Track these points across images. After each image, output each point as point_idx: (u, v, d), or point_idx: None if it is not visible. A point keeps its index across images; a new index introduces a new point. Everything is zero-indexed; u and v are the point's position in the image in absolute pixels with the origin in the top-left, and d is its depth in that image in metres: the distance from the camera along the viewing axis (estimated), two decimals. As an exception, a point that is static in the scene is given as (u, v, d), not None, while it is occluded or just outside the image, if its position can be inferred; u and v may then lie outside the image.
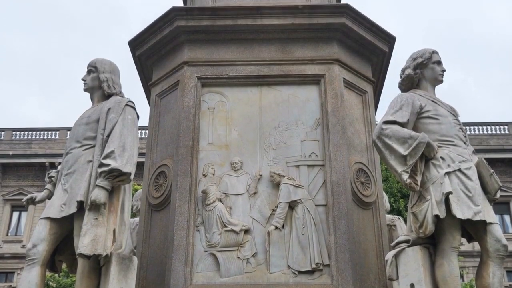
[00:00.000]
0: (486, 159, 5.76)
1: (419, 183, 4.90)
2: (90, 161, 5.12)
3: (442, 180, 4.84)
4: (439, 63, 5.58)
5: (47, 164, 34.29)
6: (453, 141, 5.09)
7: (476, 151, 5.38)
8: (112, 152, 5.00)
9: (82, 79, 5.71)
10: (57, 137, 36.27)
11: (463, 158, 5.01)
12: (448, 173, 4.88)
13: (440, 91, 6.67)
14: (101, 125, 5.22)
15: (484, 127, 36.18)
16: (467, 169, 4.95)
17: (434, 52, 5.60)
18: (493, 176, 5.06)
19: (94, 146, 5.19)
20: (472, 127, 35.66)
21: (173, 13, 6.81)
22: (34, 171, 35.06)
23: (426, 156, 4.99)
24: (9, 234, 34.21)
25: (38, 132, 36.77)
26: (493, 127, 36.21)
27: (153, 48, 7.11)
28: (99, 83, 5.61)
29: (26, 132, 36.78)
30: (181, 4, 8.51)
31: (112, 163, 4.94)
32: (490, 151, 33.61)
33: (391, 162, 4.97)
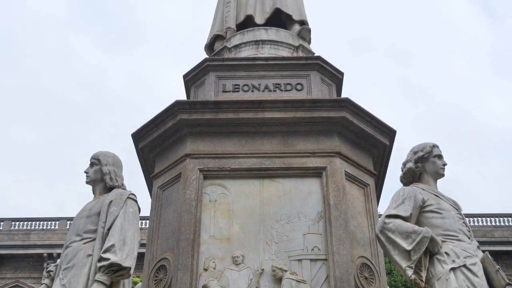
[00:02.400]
0: (491, 251, 5.67)
1: (424, 279, 4.81)
2: (90, 255, 5.05)
3: (447, 276, 4.74)
4: (440, 157, 5.63)
5: (45, 255, 33.77)
6: (457, 236, 5.03)
7: (481, 244, 5.30)
8: (113, 246, 4.94)
9: (85, 172, 5.74)
10: (57, 227, 35.98)
11: (468, 253, 4.93)
12: (453, 269, 4.79)
13: (442, 182, 6.71)
14: (102, 218, 5.19)
15: (488, 219, 35.87)
16: (473, 265, 4.86)
17: (435, 146, 5.66)
18: (499, 272, 4.95)
19: (94, 239, 5.14)
20: (476, 219, 35.35)
21: (177, 106, 6.94)
22: (32, 263, 34.47)
23: (430, 251, 4.92)
24: (2, 329, 33.13)
25: (37, 222, 36.50)
26: (497, 219, 35.90)
27: (156, 141, 7.19)
28: (102, 176, 5.63)
29: (25, 222, 36.53)
30: (184, 97, 8.68)
31: (112, 257, 4.87)
32: (495, 243, 33.14)
33: (395, 257, 4.90)
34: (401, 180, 5.71)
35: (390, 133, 7.28)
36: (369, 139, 7.08)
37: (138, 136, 7.36)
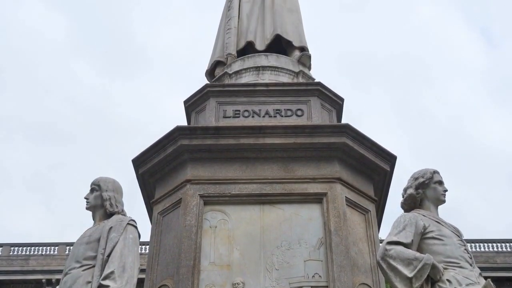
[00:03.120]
0: (493, 278, 5.63)
1: (426, 306, 4.76)
2: (89, 282, 5.01)
3: (450, 304, 4.69)
4: (440, 183, 5.62)
5: (43, 280, 33.49)
6: (458, 263, 5.00)
7: (483, 270, 5.27)
8: (112, 272, 4.91)
9: (85, 198, 5.73)
10: (56, 252, 35.76)
11: (470, 280, 4.89)
12: (455, 296, 4.75)
13: (443, 207, 6.71)
14: (102, 244, 5.17)
15: (490, 245, 35.64)
16: (475, 292, 4.82)
17: (435, 172, 5.66)
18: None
19: (94, 266, 5.10)
20: (478, 244, 35.14)
21: (177, 132, 6.96)
22: (30, 288, 34.20)
23: (432, 278, 4.88)
24: None
25: (36, 248, 36.30)
26: (499, 245, 35.68)
27: (157, 166, 7.19)
28: (102, 202, 5.62)
29: (24, 248, 36.32)
30: (185, 123, 8.70)
31: (112, 284, 4.83)
32: (497, 269, 32.87)
33: (397, 284, 4.86)
34: (402, 206, 5.69)
35: (391, 159, 7.28)
36: (369, 165, 7.08)
37: (138, 162, 7.37)
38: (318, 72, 9.20)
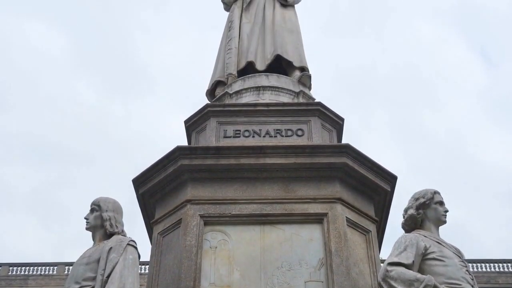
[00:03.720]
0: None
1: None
2: (89, 303, 4.98)
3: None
4: (441, 203, 5.61)
5: (42, 301, 33.30)
6: (460, 284, 4.97)
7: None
8: (111, 293, 4.88)
9: (85, 218, 5.72)
10: (55, 272, 35.60)
11: (472, 302, 4.86)
12: (457, 318, 4.71)
13: (444, 226, 6.69)
14: (102, 265, 5.15)
15: (492, 265, 35.49)
16: (477, 313, 4.79)
17: (436, 192, 5.65)
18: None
19: (93, 287, 5.08)
20: (479, 265, 34.99)
21: (178, 152, 6.96)
22: (29, 308, 33.98)
23: (433, 299, 4.85)
24: None
25: (35, 268, 36.12)
26: (501, 265, 35.52)
27: (157, 186, 7.18)
28: (102, 222, 5.61)
29: (23, 268, 36.14)
30: (185, 142, 8.71)
31: (111, 305, 4.80)
32: (498, 289, 32.68)
33: (398, 306, 4.83)
34: (403, 227, 5.68)
35: (391, 179, 7.27)
36: (370, 185, 7.07)
37: (138, 182, 7.35)
38: (318, 91, 9.27)
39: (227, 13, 10.27)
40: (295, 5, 10.09)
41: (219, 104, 8.33)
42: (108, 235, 5.57)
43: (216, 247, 6.40)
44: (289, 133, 7.60)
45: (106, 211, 5.66)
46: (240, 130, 7.62)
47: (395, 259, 5.06)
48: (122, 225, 5.68)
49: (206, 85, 9.45)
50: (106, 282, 5.03)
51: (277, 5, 9.78)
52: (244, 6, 9.89)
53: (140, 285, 5.42)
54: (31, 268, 35.80)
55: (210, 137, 7.58)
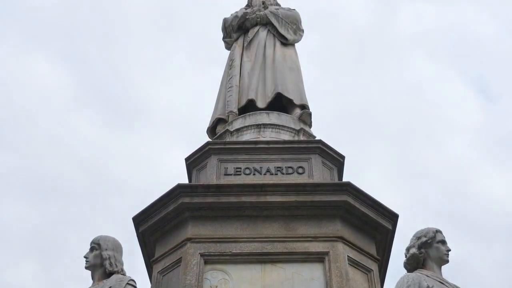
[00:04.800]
0: None
1: None
2: None
3: None
4: (443, 242, 5.58)
5: None
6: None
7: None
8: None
9: (85, 257, 5.69)
10: (53, 310, 35.08)
11: None
12: None
13: (446, 265, 6.67)
14: (101, 305, 5.09)
15: (494, 303, 34.98)
16: None
17: (438, 231, 5.63)
18: None
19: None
20: (481, 303, 34.49)
21: (178, 190, 6.94)
22: None
23: None
24: None
25: (33, 305, 35.63)
26: (503, 303, 35.04)
27: (157, 224, 7.13)
28: (102, 261, 5.58)
29: (20, 305, 35.64)
30: (185, 180, 8.70)
31: None
32: (502, 328, 32.15)
33: None
34: (405, 266, 5.64)
35: (393, 217, 7.23)
36: (371, 223, 7.03)
37: (138, 220, 7.31)
38: (318, 127, 9.24)
39: (228, 52, 10.39)
40: (296, 44, 10.22)
41: (220, 142, 8.35)
42: (108, 274, 5.53)
43: (216, 286, 6.34)
44: (290, 170, 7.59)
45: (106, 249, 5.63)
46: (241, 168, 7.62)
47: (398, 300, 5.00)
48: (122, 264, 5.64)
49: (207, 122, 9.50)
50: (105, 322, 4.97)
51: (278, 43, 9.90)
52: (245, 45, 10.01)
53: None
54: (28, 306, 35.40)
55: (211, 174, 7.58)
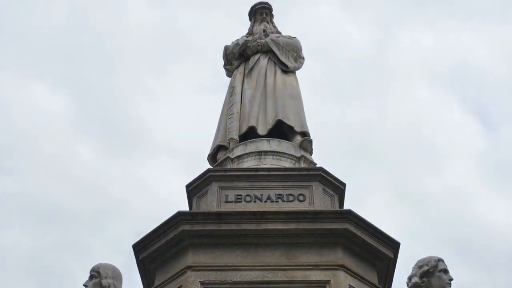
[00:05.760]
0: None
1: None
2: None
3: None
4: (445, 271, 5.55)
5: None
6: None
7: None
8: None
9: (84, 285, 5.65)
10: (50, 338, 34.66)
11: None
12: None
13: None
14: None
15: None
16: None
17: (440, 260, 5.60)
18: None
19: None
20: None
21: (179, 217, 6.92)
22: None
23: None
24: None
25: (30, 334, 35.22)
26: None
27: (157, 252, 7.09)
28: (101, 289, 5.53)
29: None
30: (186, 206, 8.67)
31: None
32: None
33: None
34: (408, 295, 5.58)
35: (394, 245, 7.19)
36: (373, 251, 6.99)
37: (139, 247, 7.26)
38: (319, 154, 9.23)
39: (228, 79, 10.45)
40: (296, 71, 10.27)
41: (220, 169, 8.35)
42: (107, 303, 5.47)
43: (216, 317, 6.27)
44: (291, 198, 7.57)
45: (106, 277, 5.60)
46: (241, 195, 7.60)
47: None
48: (121, 292, 5.59)
49: (207, 149, 9.50)
50: None
51: (278, 71, 9.96)
52: (246, 72, 10.06)
53: None
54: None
55: (212, 202, 7.56)
